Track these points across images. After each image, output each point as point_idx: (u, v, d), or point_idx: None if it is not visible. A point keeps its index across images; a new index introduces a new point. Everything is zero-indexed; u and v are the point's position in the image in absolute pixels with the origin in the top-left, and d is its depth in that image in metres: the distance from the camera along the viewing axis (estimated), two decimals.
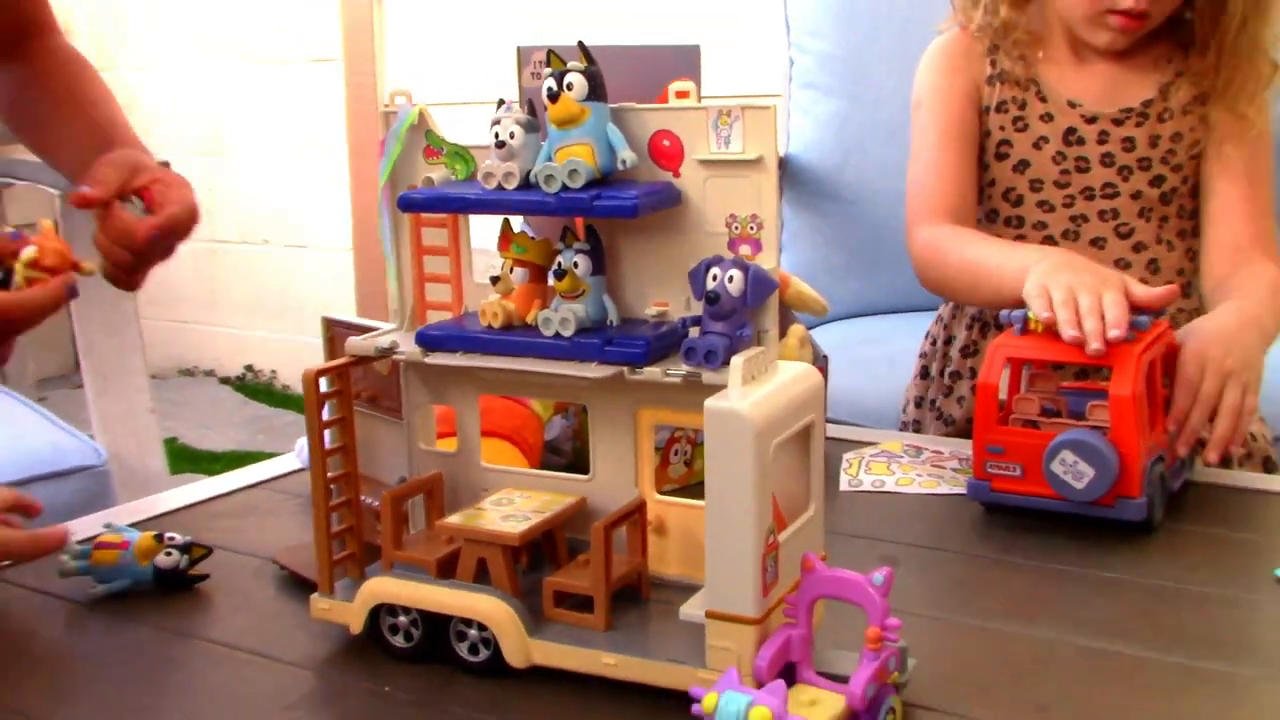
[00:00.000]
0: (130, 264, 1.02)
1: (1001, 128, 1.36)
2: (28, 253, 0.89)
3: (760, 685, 0.65)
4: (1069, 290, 1.05)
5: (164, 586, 0.93)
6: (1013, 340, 1.07)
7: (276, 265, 3.69)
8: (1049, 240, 1.36)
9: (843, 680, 0.68)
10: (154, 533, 0.93)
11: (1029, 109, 1.36)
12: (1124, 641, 0.83)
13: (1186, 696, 0.76)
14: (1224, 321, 1.17)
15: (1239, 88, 1.31)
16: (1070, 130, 1.35)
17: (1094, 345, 1.01)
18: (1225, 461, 1.28)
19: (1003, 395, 1.06)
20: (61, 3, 1.24)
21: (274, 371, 3.77)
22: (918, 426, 1.51)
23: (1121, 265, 1.35)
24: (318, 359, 0.99)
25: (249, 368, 3.82)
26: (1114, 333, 1.01)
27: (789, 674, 0.69)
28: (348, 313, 3.59)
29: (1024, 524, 1.03)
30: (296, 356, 3.63)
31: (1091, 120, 1.35)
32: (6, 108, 1.21)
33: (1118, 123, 1.34)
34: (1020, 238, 1.36)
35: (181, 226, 1.03)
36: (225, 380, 3.87)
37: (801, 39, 2.04)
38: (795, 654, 0.68)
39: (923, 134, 1.39)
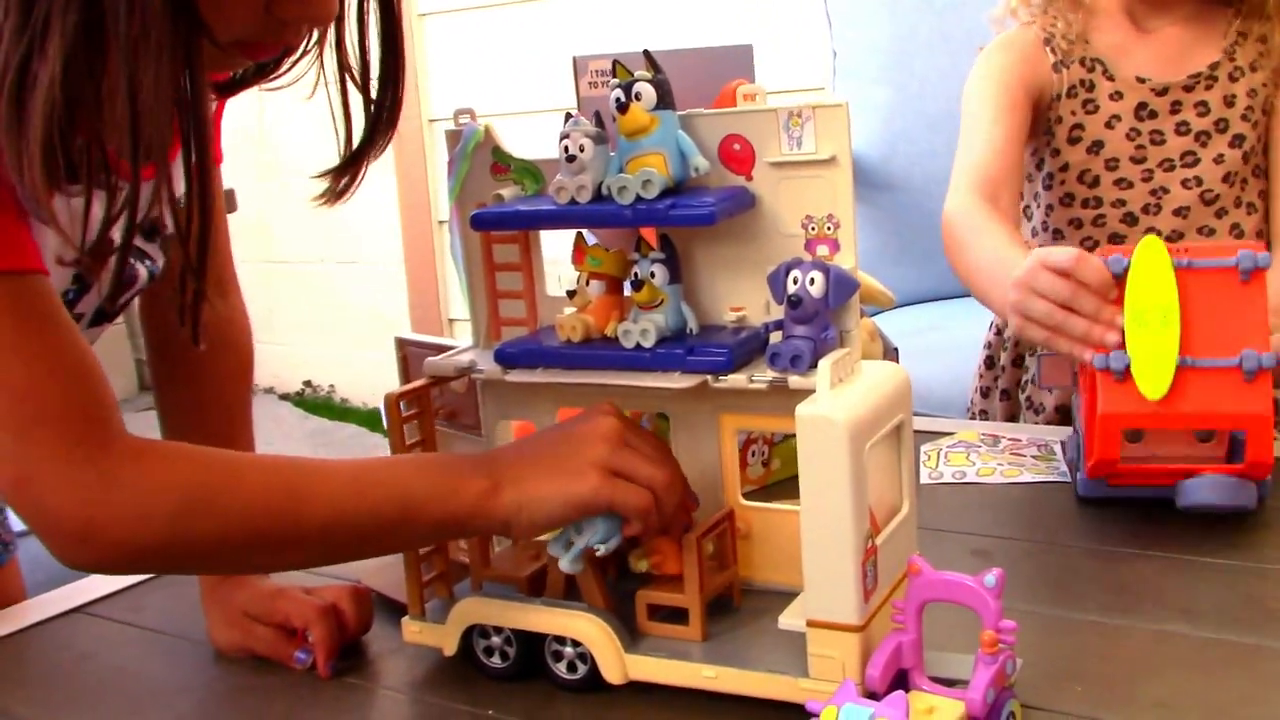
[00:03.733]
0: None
1: (1073, 112, 1.34)
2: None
3: (873, 695, 0.64)
4: (1047, 313, 0.98)
5: None
6: (1119, 407, 0.93)
7: (330, 281, 3.71)
8: (1129, 217, 1.34)
9: (955, 685, 0.66)
10: None
11: (1097, 90, 1.33)
12: (1237, 629, 0.80)
13: None
14: None
15: None
16: (1141, 105, 1.33)
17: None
18: None
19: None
20: None
21: (332, 385, 3.79)
22: (986, 416, 1.49)
23: (1205, 232, 1.33)
24: (374, 371, 0.97)
25: (307, 383, 3.84)
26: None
27: (901, 682, 0.67)
28: (401, 326, 3.59)
29: (1113, 511, 1.01)
30: (354, 369, 3.65)
31: (1162, 92, 1.32)
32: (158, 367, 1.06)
33: (1188, 89, 1.32)
34: (1099, 218, 1.34)
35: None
36: (285, 396, 3.89)
37: (843, 30, 2.03)
38: (907, 660, 0.67)
39: (974, 116, 1.35)
